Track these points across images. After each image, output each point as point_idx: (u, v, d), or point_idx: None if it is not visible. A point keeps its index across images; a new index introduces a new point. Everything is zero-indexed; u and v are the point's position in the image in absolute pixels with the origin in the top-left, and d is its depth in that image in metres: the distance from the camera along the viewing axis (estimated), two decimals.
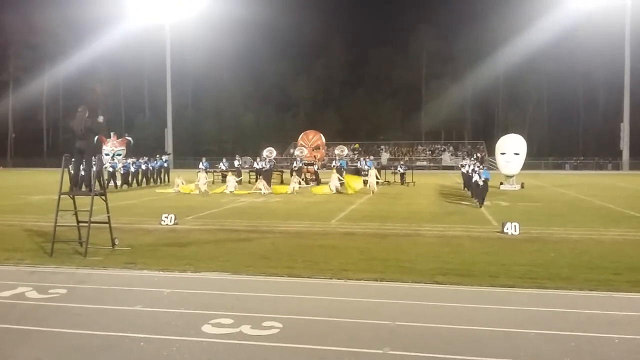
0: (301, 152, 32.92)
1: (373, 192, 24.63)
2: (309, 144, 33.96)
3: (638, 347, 5.70)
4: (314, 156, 33.48)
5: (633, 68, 56.78)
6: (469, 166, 23.83)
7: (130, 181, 29.94)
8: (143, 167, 31.69)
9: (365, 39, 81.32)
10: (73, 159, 11.40)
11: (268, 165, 30.03)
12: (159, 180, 32.81)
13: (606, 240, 12.40)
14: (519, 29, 61.03)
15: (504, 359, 5.36)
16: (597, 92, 71.34)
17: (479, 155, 23.21)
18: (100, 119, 12.12)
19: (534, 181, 33.37)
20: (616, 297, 7.64)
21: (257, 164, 31.09)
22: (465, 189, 25.11)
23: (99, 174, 11.55)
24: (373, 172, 25.80)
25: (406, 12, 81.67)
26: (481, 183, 19.16)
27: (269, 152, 34.01)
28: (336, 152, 35.09)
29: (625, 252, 10.81)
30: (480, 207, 18.76)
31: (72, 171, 11.27)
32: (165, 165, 34.37)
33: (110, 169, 28.25)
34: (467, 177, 23.35)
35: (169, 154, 38.18)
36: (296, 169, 30.08)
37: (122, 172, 29.37)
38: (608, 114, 67.49)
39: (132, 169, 30.15)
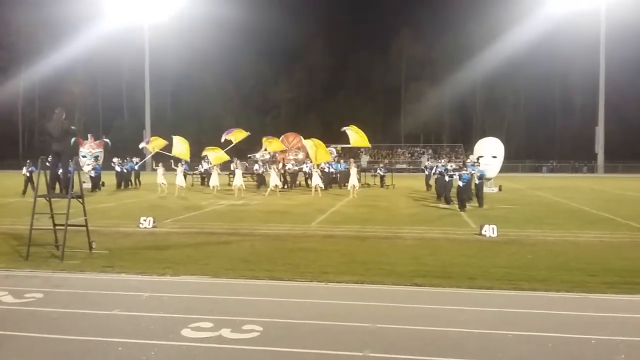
0: (262, 155, 33.08)
1: (355, 195, 24.57)
2: (289, 146, 33.92)
3: (614, 348, 5.80)
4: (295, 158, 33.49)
5: (608, 72, 57.94)
6: (437, 168, 23.96)
7: (99, 185, 29.31)
8: (117, 169, 31.04)
9: (346, 42, 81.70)
10: (49, 161, 11.24)
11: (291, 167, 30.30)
12: (129, 183, 31.93)
13: (582, 242, 12.61)
14: (496, 34, 61.90)
15: None
16: (573, 96, 72.63)
17: (471, 159, 23.23)
18: (72, 127, 11.99)
19: (511, 184, 33.80)
20: (592, 298, 7.77)
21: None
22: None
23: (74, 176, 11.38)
24: (354, 173, 25.48)
25: (387, 16, 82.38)
26: (461, 184, 19.33)
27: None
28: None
29: (601, 254, 11.01)
30: (462, 210, 18.86)
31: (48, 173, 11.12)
32: (136, 167, 33.08)
33: (93, 173, 27.67)
34: (441, 180, 23.29)
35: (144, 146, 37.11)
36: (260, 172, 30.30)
37: (93, 175, 28.63)
38: (584, 118, 68.75)
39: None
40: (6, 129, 76.04)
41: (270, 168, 28.31)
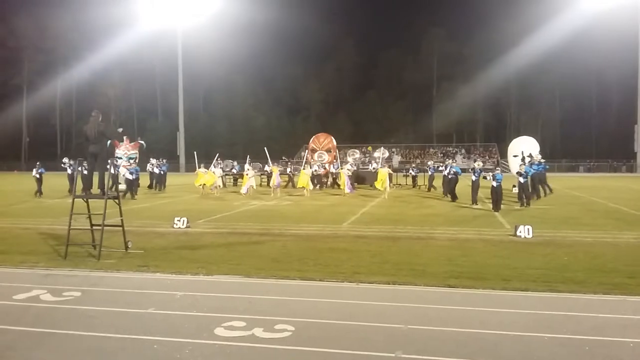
0: (382, 154, 33.07)
1: (387, 195, 24.41)
2: (320, 147, 34.00)
3: None
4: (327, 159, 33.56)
5: None
6: (450, 167, 24.09)
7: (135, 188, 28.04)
8: (156, 170, 30.94)
9: (376, 41, 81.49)
10: (86, 163, 11.52)
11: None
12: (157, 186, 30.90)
13: (620, 243, 12.28)
14: (530, 30, 60.75)
15: None
16: (610, 94, 70.75)
17: (534, 157, 23.43)
18: (120, 129, 12.38)
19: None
20: (630, 300, 7.56)
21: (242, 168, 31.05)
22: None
23: (116, 177, 11.62)
24: (385, 175, 25.24)
25: (417, 14, 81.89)
26: (494, 184, 19.04)
27: (382, 153, 34.09)
28: (376, 154, 34.77)
29: None
30: (496, 211, 18.62)
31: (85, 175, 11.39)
32: (164, 170, 31.88)
33: (131, 176, 26.16)
34: (445, 179, 24.27)
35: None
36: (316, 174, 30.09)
37: (130, 177, 27.27)
38: (621, 116, 66.91)
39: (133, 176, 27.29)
40: (45, 132, 78.30)
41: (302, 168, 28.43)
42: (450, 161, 27.32)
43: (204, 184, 27.22)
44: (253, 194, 26.13)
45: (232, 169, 36.72)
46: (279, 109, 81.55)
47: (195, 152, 33.19)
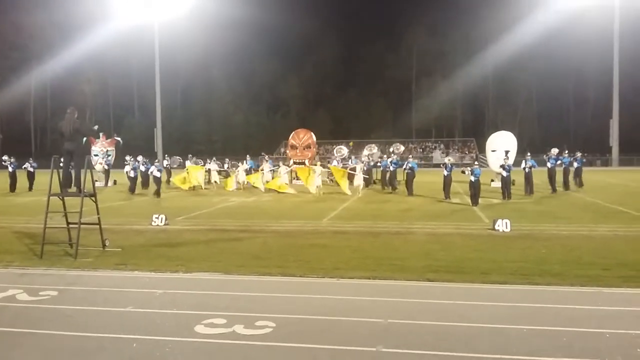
0: (397, 149, 32.65)
1: (359, 193, 23.90)
2: (299, 142, 33.90)
3: (629, 342, 5.74)
4: (306, 155, 33.32)
5: (622, 65, 57.27)
6: (408, 163, 24.48)
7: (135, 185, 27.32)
8: (142, 168, 30.15)
9: (356, 37, 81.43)
10: (62, 160, 11.34)
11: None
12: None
13: (596, 236, 12.49)
14: (508, 27, 61.29)
15: (496, 355, 5.39)
16: (587, 89, 71.80)
17: (552, 152, 24.72)
18: (95, 127, 12.25)
19: (520, 178, 33.48)
20: (606, 292, 7.70)
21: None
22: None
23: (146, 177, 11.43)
24: (360, 171, 24.68)
25: (397, 10, 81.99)
26: (473, 179, 19.22)
27: (396, 148, 33.62)
28: (365, 152, 34.15)
29: (615, 248, 10.90)
30: (475, 205, 18.84)
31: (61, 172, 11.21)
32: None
33: (133, 174, 26.06)
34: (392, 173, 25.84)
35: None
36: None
37: (132, 175, 26.52)
38: (597, 111, 67.96)
39: (132, 174, 26.85)
40: (19, 129, 76.84)
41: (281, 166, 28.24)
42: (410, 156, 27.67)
43: (193, 186, 27.07)
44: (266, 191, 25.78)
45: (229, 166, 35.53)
46: (258, 105, 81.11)
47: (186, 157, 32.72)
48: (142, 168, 28.88)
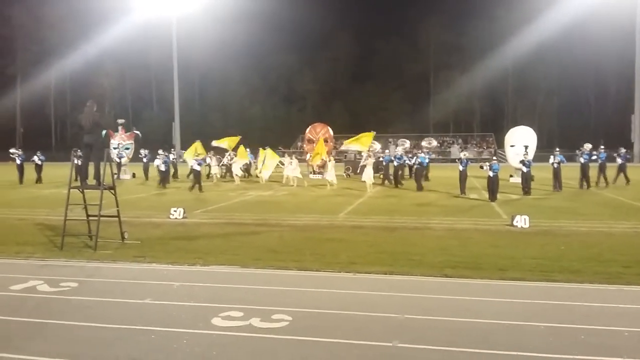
0: (429, 143, 32.46)
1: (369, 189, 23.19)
2: (316, 137, 33.89)
3: None
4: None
5: None
6: (417, 158, 24.83)
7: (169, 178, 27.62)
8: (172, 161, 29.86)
9: (373, 30, 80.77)
10: (81, 153, 11.48)
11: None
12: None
13: (616, 233, 12.32)
14: (528, 19, 60.47)
15: (513, 352, 5.35)
16: (608, 83, 70.63)
17: (585, 147, 24.39)
18: (120, 121, 12.38)
19: (544, 174, 33.09)
20: (626, 290, 7.60)
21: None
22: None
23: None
24: (370, 167, 23.79)
25: (414, 3, 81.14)
26: (491, 174, 19.06)
27: (428, 142, 33.65)
28: (423, 144, 33.91)
29: (636, 245, 10.75)
30: (493, 201, 18.70)
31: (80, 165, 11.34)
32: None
33: (164, 167, 25.89)
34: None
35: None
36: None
37: (163, 169, 26.25)
38: (619, 106, 66.75)
39: (164, 167, 26.51)
40: (39, 122, 77.86)
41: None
42: (400, 149, 27.54)
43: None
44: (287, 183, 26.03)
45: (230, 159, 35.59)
46: (274, 98, 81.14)
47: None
48: (172, 160, 28.71)
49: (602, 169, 25.08)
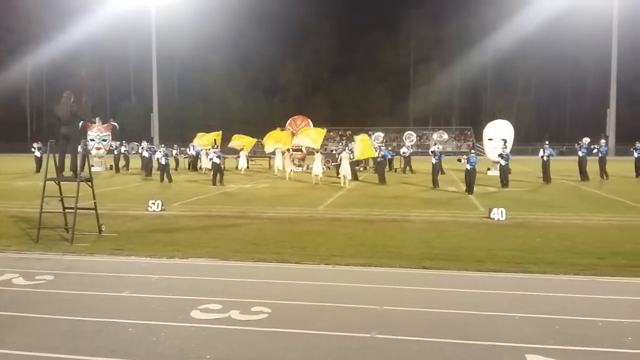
0: (440, 137, 32.40)
1: (345, 184, 22.62)
2: (296, 129, 33.84)
3: (621, 330, 5.80)
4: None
5: (620, 54, 57.13)
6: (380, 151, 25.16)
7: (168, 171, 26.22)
8: (145, 154, 28.72)
9: (355, 23, 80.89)
10: (58, 145, 11.29)
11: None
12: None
13: (591, 225, 12.56)
14: (507, 15, 61.00)
15: (490, 342, 5.44)
16: (585, 78, 71.65)
17: (584, 141, 24.51)
18: (96, 120, 12.22)
19: (521, 167, 33.61)
20: (600, 281, 7.76)
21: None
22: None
23: (84, 159, 11.38)
24: (346, 160, 23.09)
25: None
26: (469, 167, 19.26)
27: (439, 135, 33.41)
28: (434, 137, 33.92)
29: (610, 237, 10.96)
30: (470, 194, 18.92)
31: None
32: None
33: (165, 160, 25.00)
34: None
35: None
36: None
37: (163, 162, 25.28)
38: (595, 100, 67.88)
39: (163, 161, 25.49)
40: (14, 112, 76.33)
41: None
42: (382, 146, 28.09)
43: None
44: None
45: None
46: (255, 90, 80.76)
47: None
48: (145, 154, 28.41)
49: (602, 163, 25.39)
